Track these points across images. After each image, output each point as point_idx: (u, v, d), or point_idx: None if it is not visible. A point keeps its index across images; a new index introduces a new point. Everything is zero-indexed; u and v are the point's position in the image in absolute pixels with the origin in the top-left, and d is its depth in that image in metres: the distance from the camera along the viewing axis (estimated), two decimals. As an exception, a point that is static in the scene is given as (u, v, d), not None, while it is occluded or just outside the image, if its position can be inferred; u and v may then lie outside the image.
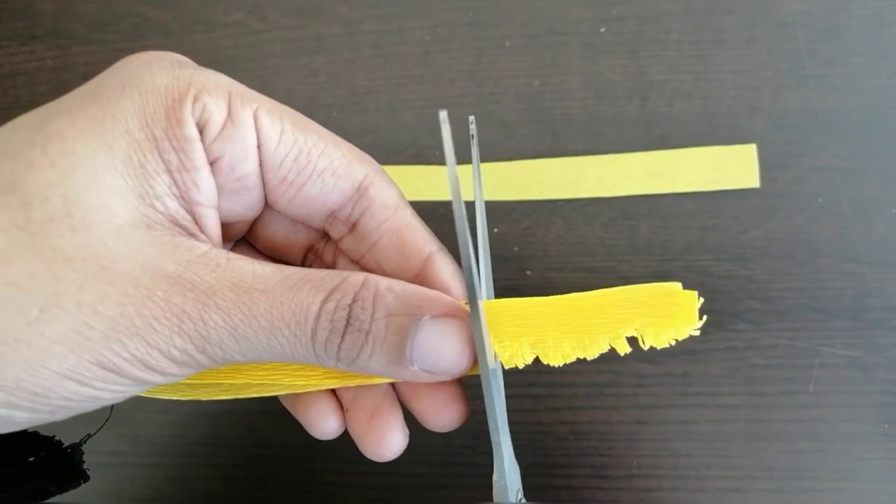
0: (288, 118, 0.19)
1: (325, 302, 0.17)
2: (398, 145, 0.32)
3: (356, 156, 0.20)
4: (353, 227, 0.21)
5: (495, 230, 0.31)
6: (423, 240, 0.20)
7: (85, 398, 0.16)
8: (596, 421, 0.30)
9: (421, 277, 0.20)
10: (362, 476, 0.30)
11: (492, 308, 0.19)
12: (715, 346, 0.29)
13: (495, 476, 0.19)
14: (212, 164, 0.18)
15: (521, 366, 0.19)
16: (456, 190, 0.16)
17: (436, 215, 0.31)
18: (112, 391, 0.17)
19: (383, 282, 0.18)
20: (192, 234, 0.18)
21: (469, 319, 0.18)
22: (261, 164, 0.19)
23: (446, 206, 0.31)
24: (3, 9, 0.36)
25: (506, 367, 0.20)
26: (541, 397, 0.30)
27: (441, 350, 0.18)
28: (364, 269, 0.21)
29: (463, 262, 0.17)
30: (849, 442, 0.28)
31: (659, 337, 0.18)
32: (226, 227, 0.20)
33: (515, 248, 0.31)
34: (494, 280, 0.31)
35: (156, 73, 0.18)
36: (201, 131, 0.17)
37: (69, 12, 0.35)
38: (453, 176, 0.16)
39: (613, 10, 0.32)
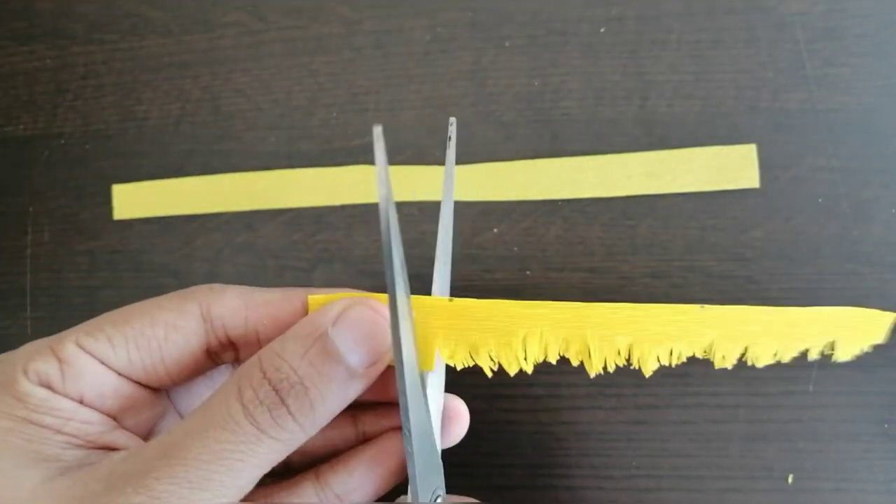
0: (107, 324, 0.19)
1: (240, 397, 0.18)
2: (398, 145, 0.32)
3: (180, 299, 0.20)
4: (231, 344, 0.21)
5: (495, 230, 0.31)
6: (283, 301, 0.20)
7: None
8: (596, 421, 0.30)
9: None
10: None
11: (445, 306, 0.20)
12: (715, 346, 0.29)
13: (410, 484, 0.19)
14: (82, 402, 0.19)
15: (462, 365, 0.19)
16: (385, 192, 0.16)
17: (435, 215, 0.31)
18: None
19: (272, 344, 0.18)
20: (102, 457, 0.18)
21: (363, 302, 0.19)
22: (118, 373, 0.20)
23: (446, 206, 0.31)
24: (3, 9, 0.36)
25: (454, 365, 0.20)
26: (541, 397, 0.30)
27: (365, 335, 0.18)
28: None
29: (384, 257, 0.17)
30: (849, 442, 0.28)
31: (845, 352, 0.21)
32: (151, 416, 0.21)
33: (515, 248, 0.31)
34: (494, 280, 0.31)
35: None
36: (50, 387, 0.19)
37: (69, 12, 0.35)
38: (384, 179, 0.16)
39: (613, 10, 0.32)
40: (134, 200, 0.34)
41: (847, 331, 0.21)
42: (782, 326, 0.20)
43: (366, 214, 0.32)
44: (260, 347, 0.20)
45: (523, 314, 0.19)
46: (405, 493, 0.20)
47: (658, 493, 0.29)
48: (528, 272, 0.31)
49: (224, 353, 0.21)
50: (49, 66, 0.35)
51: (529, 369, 0.19)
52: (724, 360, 0.20)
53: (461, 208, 0.31)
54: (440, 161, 0.32)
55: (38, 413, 0.18)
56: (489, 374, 0.19)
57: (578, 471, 0.29)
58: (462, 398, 0.30)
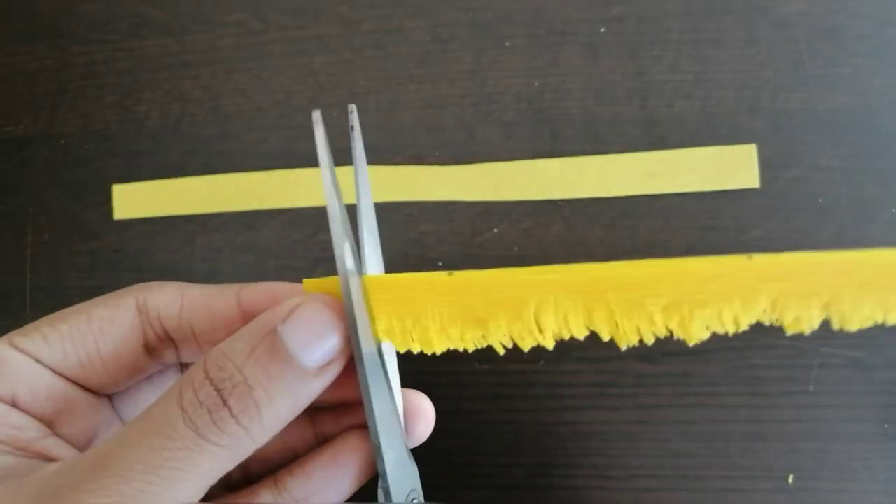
0: (43, 324, 0.19)
1: (180, 400, 0.16)
2: (398, 145, 0.32)
3: (116, 296, 0.20)
4: (169, 338, 0.20)
5: (495, 230, 0.31)
6: (218, 294, 0.20)
7: None
8: (596, 421, 0.30)
9: (249, 315, 0.20)
10: (362, 476, 0.30)
11: (382, 282, 0.18)
12: (715, 346, 0.29)
13: (381, 482, 0.18)
14: (15, 403, 0.18)
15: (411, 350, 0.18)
16: (330, 184, 0.17)
17: (435, 215, 0.31)
18: None
19: (220, 345, 0.17)
20: (33, 468, 0.17)
21: (320, 299, 0.18)
22: (53, 371, 0.19)
23: (446, 206, 0.31)
24: (3, 9, 0.36)
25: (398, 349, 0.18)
26: (541, 397, 0.30)
27: (318, 332, 0.17)
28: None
29: (335, 240, 0.17)
30: (849, 442, 0.28)
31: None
32: (90, 424, 0.20)
33: (515, 248, 0.31)
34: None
35: None
36: None
37: (69, 12, 0.35)
38: (328, 175, 0.17)
39: (613, 10, 0.32)
40: (134, 200, 0.34)
41: None
42: (875, 273, 0.15)
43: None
44: (196, 342, 0.20)
45: (531, 281, 0.17)
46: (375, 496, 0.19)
47: (658, 493, 0.29)
48: (528, 272, 0.31)
49: (164, 349, 0.20)
50: (49, 66, 0.35)
51: (550, 344, 0.17)
52: (800, 322, 0.16)
53: (461, 208, 0.31)
54: (440, 161, 0.32)
55: None
56: (501, 352, 0.18)
57: (579, 471, 0.29)
58: (462, 398, 0.30)
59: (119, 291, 0.20)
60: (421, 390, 0.22)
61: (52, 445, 0.18)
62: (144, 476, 0.15)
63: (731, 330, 0.16)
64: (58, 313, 0.19)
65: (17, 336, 0.19)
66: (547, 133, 0.31)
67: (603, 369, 0.30)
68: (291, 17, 0.34)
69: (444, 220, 0.31)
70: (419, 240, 0.31)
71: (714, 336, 0.29)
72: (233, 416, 0.16)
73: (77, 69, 0.35)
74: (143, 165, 0.34)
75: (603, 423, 0.29)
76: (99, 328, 0.19)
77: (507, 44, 0.32)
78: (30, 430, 0.18)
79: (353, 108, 0.21)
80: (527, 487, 0.30)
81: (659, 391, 0.29)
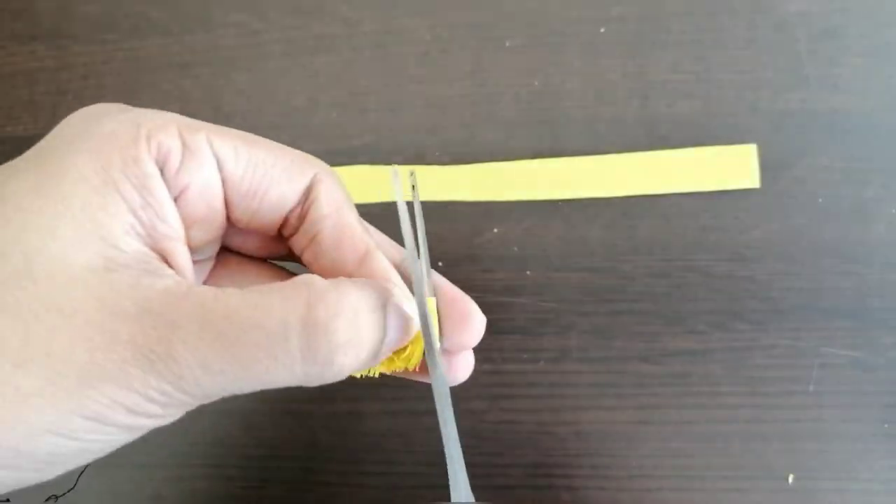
0: (238, 137, 0.19)
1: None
2: (398, 145, 0.32)
3: (305, 158, 0.20)
4: (302, 220, 0.21)
5: (495, 230, 0.31)
6: (360, 239, 0.21)
7: (73, 452, 0.16)
8: (596, 421, 0.30)
9: (357, 274, 0.20)
10: (362, 476, 0.30)
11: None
12: (715, 346, 0.29)
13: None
14: (178, 196, 0.18)
15: None
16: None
17: (435, 215, 0.31)
18: (101, 441, 0.17)
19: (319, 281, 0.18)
20: (155, 271, 0.17)
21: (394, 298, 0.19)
22: (224, 184, 0.19)
23: (446, 206, 0.31)
24: (3, 9, 0.36)
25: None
26: (541, 397, 0.30)
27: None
28: (303, 264, 0.21)
29: (409, 258, 0.19)
30: (849, 442, 0.28)
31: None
32: (195, 252, 0.20)
33: (515, 248, 0.31)
34: (494, 280, 0.31)
35: (104, 121, 0.18)
36: (162, 167, 0.17)
37: (69, 12, 0.35)
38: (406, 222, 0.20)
39: (613, 10, 0.32)
40: (134, 200, 0.34)
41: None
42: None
43: (366, 215, 0.32)
44: (302, 246, 0.21)
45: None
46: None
47: (659, 493, 0.29)
48: (528, 272, 0.31)
49: (288, 226, 0.21)
50: (49, 66, 0.35)
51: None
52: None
53: (461, 208, 0.31)
54: (440, 161, 0.32)
55: (132, 183, 0.17)
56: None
57: (579, 471, 0.29)
58: (462, 398, 0.30)
59: (305, 155, 0.21)
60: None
61: (176, 249, 0.18)
62: (210, 360, 0.16)
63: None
64: (251, 135, 0.19)
65: (213, 133, 0.18)
66: (547, 133, 0.31)
67: (603, 369, 0.30)
68: (291, 17, 0.34)
69: (444, 220, 0.31)
70: (419, 240, 0.31)
71: (714, 336, 0.29)
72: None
73: (77, 69, 0.35)
74: (143, 165, 0.34)
75: (603, 423, 0.30)
76: (278, 177, 0.19)
77: (507, 44, 0.32)
78: (171, 229, 0.18)
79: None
80: (527, 487, 0.30)
81: (659, 391, 0.29)
